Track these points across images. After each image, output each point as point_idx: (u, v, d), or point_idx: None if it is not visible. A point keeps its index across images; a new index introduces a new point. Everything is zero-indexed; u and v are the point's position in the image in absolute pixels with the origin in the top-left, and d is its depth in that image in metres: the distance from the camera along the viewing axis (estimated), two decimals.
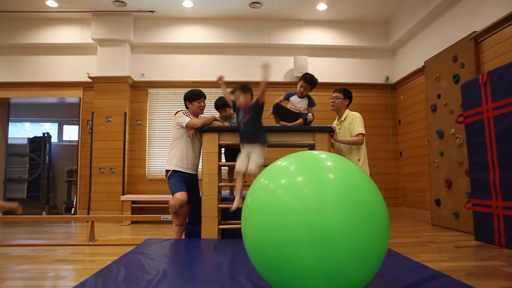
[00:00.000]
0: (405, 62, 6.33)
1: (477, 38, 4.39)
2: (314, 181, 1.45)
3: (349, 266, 1.35)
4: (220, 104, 3.58)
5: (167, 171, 3.36)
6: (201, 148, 3.48)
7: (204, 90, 3.68)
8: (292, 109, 3.42)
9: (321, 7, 6.09)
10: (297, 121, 3.35)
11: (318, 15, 6.38)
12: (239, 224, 3.38)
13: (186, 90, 3.67)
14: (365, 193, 1.46)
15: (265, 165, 1.79)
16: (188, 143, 3.37)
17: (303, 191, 1.42)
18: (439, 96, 5.08)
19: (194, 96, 3.49)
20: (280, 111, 3.44)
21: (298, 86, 3.42)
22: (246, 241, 1.58)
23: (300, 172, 1.51)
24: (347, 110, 3.55)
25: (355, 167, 1.60)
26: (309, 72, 6.33)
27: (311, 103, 3.45)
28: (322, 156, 1.63)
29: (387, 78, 6.70)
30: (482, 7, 4.39)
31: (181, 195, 3.18)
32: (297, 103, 3.43)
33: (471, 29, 4.47)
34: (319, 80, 6.75)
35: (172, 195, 3.24)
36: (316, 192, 1.40)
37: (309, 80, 3.41)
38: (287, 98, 3.50)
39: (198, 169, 3.53)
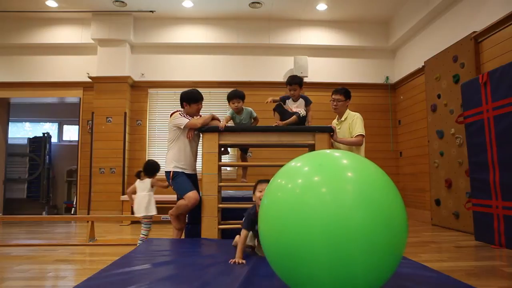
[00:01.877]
0: (405, 62, 6.33)
1: (477, 38, 4.39)
2: (332, 180, 1.44)
3: (358, 269, 1.34)
4: (239, 92, 3.46)
5: (167, 172, 3.34)
6: (198, 148, 3.48)
7: (204, 90, 3.67)
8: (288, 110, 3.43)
9: (321, 7, 6.09)
10: (291, 118, 3.34)
11: (318, 15, 6.38)
12: (239, 224, 3.38)
13: (186, 90, 3.64)
14: (383, 193, 1.44)
15: (275, 165, 1.76)
16: (186, 144, 3.35)
17: (321, 190, 1.42)
18: (439, 96, 5.08)
19: (193, 99, 3.42)
20: (280, 111, 3.45)
21: (288, 91, 3.43)
22: (263, 239, 1.61)
23: (317, 172, 1.50)
24: (348, 110, 3.55)
25: (372, 165, 1.58)
26: (309, 72, 6.41)
27: (307, 103, 3.45)
28: (337, 155, 1.63)
29: (387, 78, 6.70)
30: (482, 7, 4.39)
31: (194, 194, 3.16)
32: (294, 107, 3.43)
33: (471, 29, 4.47)
34: (319, 80, 6.82)
35: (182, 195, 3.20)
36: (334, 191, 1.40)
37: (294, 81, 3.40)
38: (283, 101, 3.50)
39: (198, 169, 3.52)
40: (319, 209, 1.36)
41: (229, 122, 3.46)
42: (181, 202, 3.19)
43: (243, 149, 3.85)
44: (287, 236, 1.42)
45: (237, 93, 3.43)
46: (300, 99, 3.45)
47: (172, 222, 3.36)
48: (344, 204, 1.36)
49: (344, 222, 1.33)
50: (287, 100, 3.48)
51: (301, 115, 3.36)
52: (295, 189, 1.48)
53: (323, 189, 1.42)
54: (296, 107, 3.42)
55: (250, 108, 3.54)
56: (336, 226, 1.33)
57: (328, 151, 1.73)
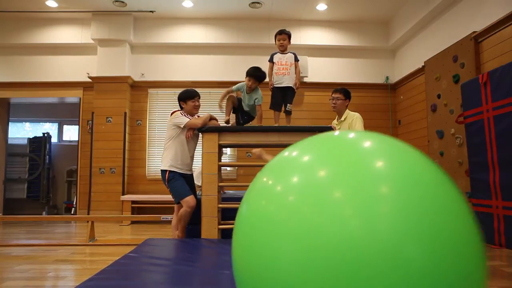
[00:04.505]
0: (405, 62, 6.33)
1: (477, 38, 4.39)
2: (353, 181, 0.84)
3: None
4: (260, 76, 3.40)
5: (163, 171, 3.32)
6: (195, 148, 3.47)
7: (203, 90, 3.66)
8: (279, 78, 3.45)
9: (321, 7, 6.09)
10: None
11: (318, 15, 6.38)
12: None
13: None
14: (443, 204, 0.83)
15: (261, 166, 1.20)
16: (183, 143, 3.34)
17: (332, 198, 0.82)
18: (439, 96, 5.08)
19: (188, 96, 3.42)
20: (277, 103, 3.48)
21: (276, 41, 3.50)
22: (238, 273, 1.00)
23: (327, 166, 0.91)
24: (347, 110, 3.56)
25: (420, 157, 0.94)
26: (309, 72, 6.41)
27: (296, 58, 3.51)
28: (357, 138, 0.99)
29: (387, 78, 6.70)
30: (482, 7, 4.39)
31: (192, 199, 3.17)
32: (283, 60, 3.45)
33: (471, 29, 4.47)
34: (319, 80, 6.83)
35: (181, 199, 3.19)
36: (358, 202, 0.80)
37: (283, 31, 3.50)
38: (271, 59, 3.52)
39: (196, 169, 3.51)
40: (330, 230, 0.78)
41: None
42: (181, 211, 3.19)
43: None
44: (276, 271, 0.83)
45: (260, 76, 3.37)
46: (289, 53, 3.50)
47: (178, 232, 3.33)
48: (375, 223, 0.77)
49: (376, 253, 0.74)
50: (274, 56, 3.51)
51: (288, 108, 3.46)
52: (289, 195, 0.89)
53: (337, 195, 0.83)
54: (285, 59, 3.44)
55: (261, 93, 3.48)
56: (361, 260, 0.74)
57: (343, 132, 1.08)
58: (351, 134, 1.04)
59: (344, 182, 0.85)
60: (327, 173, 0.89)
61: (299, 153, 1.02)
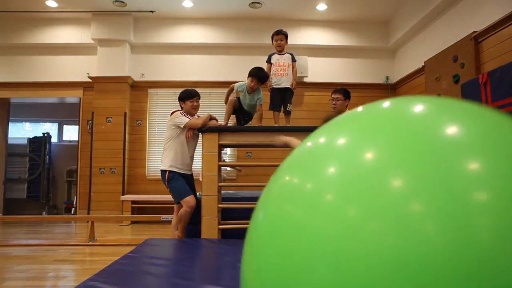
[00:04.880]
0: (405, 62, 6.33)
1: (477, 38, 4.39)
2: (417, 163, 0.55)
3: None
4: (262, 76, 3.43)
5: (163, 171, 3.32)
6: (195, 148, 3.47)
7: (203, 90, 3.66)
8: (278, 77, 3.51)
9: (321, 7, 6.09)
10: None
11: (318, 15, 6.38)
12: (239, 224, 3.38)
13: None
14: None
15: (275, 165, 0.83)
16: (183, 143, 3.34)
17: (388, 192, 0.54)
18: (439, 96, 5.08)
19: (186, 96, 3.43)
20: (276, 103, 3.52)
21: (274, 41, 3.59)
22: None
23: (374, 149, 0.61)
24: (348, 110, 3.56)
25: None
26: (309, 72, 6.41)
27: (293, 59, 3.57)
28: (410, 105, 0.68)
29: (387, 78, 6.70)
30: (482, 7, 4.39)
31: (191, 199, 3.18)
32: (281, 61, 3.51)
33: (471, 29, 4.47)
34: (319, 80, 6.83)
35: (181, 199, 3.19)
36: (432, 197, 0.51)
37: (280, 31, 3.59)
38: (269, 60, 3.57)
39: (196, 169, 3.51)
40: (391, 240, 0.50)
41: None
42: (181, 211, 3.19)
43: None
44: None
45: (263, 77, 3.38)
46: (286, 54, 3.55)
47: (178, 232, 3.32)
48: (464, 223, 0.48)
49: (472, 268, 0.46)
50: (272, 56, 3.55)
51: (288, 108, 3.53)
52: (324, 194, 0.61)
53: (397, 185, 0.54)
54: (283, 60, 3.50)
55: (262, 93, 3.48)
56: (447, 280, 0.46)
57: (378, 102, 0.73)
58: (393, 101, 0.72)
59: (405, 167, 0.55)
60: (377, 156, 0.59)
61: (329, 138, 0.71)
